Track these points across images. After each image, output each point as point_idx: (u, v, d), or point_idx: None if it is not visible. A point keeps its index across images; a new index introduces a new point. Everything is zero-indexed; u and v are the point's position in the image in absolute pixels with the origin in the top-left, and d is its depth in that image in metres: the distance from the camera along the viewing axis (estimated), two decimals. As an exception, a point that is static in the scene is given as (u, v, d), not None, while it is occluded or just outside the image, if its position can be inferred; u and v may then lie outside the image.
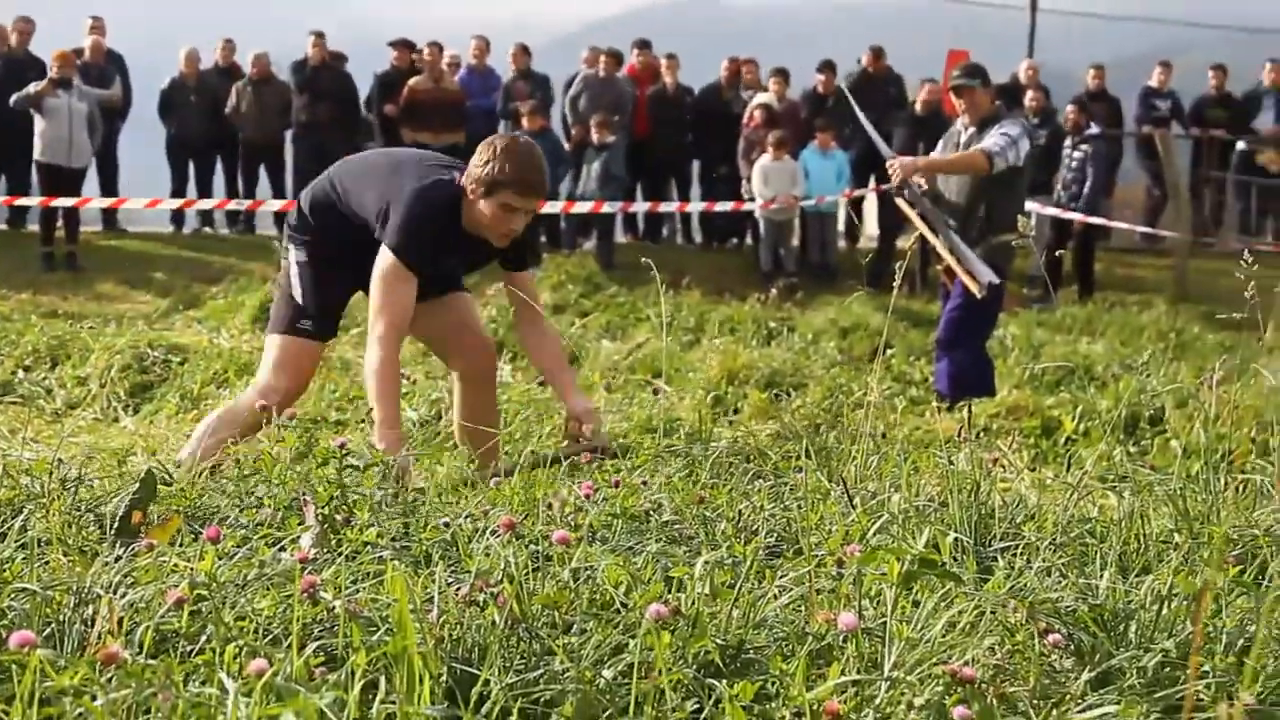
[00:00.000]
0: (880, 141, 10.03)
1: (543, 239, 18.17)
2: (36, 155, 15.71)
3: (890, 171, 9.30)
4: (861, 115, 10.29)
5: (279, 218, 18.44)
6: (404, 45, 18.90)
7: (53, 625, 3.36)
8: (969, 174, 9.30)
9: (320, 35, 18.55)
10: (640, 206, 18.55)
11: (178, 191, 18.52)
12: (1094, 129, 17.47)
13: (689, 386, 9.34)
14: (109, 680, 2.81)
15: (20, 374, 10.14)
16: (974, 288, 8.96)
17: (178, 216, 18.94)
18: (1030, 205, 15.20)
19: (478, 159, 5.89)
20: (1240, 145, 19.96)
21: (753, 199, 17.38)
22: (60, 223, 16.08)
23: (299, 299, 6.29)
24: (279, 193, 18.53)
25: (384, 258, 5.88)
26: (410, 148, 6.60)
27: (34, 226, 16.91)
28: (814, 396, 9.64)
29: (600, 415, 6.27)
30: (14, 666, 2.95)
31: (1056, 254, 16.28)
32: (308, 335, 6.30)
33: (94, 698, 2.77)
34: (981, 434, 8.36)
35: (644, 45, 19.70)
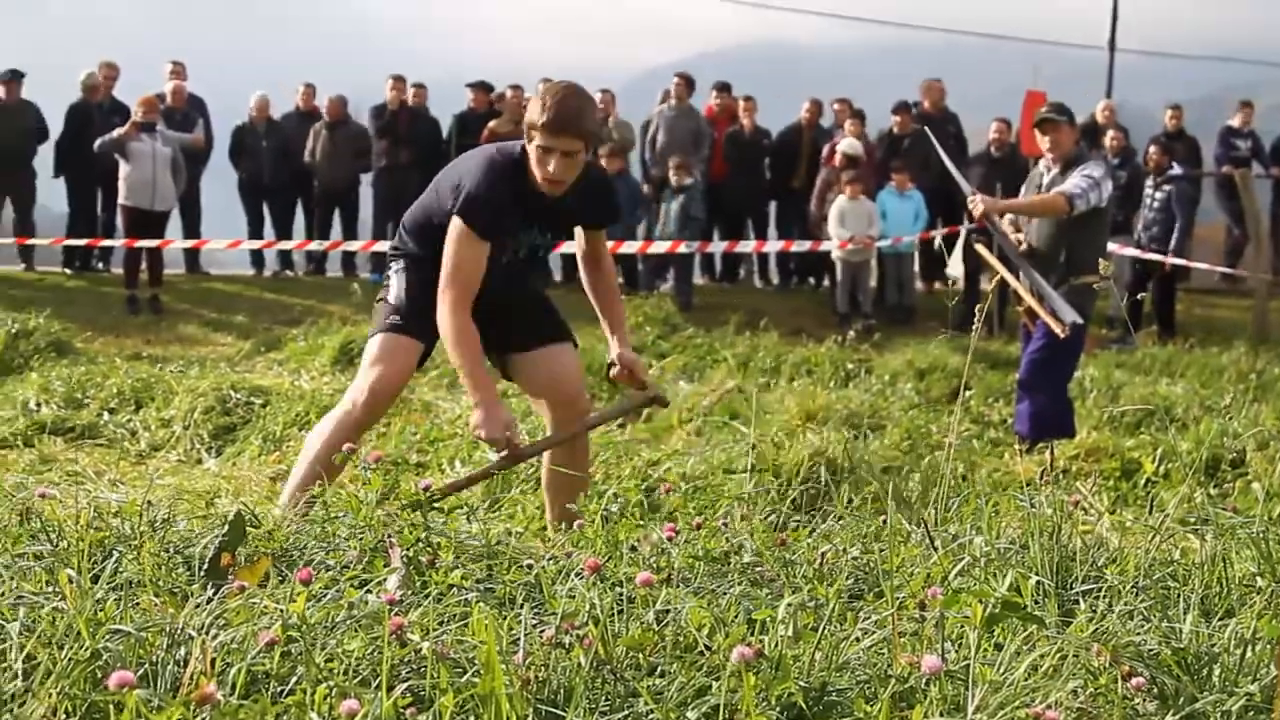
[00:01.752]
0: (961, 179, 10.00)
1: (620, 280, 18.20)
2: (121, 199, 15.89)
3: (971, 206, 9.27)
4: (943, 154, 10.28)
5: (348, 260, 18.64)
6: (481, 87, 19.04)
7: (146, 666, 3.42)
8: (1050, 216, 9.27)
9: (400, 79, 18.71)
10: (717, 247, 18.59)
11: (255, 235, 18.71)
12: (1176, 169, 17.38)
13: (767, 428, 9.33)
14: (204, 720, 2.86)
15: (105, 416, 10.24)
16: (1057, 328, 8.93)
17: (258, 258, 19.13)
18: (1111, 246, 15.15)
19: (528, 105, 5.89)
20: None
21: (829, 239, 17.40)
22: (144, 265, 16.27)
23: (392, 300, 6.30)
24: (352, 236, 18.69)
25: (454, 226, 5.88)
26: None
27: (118, 269, 17.13)
28: (893, 438, 9.63)
29: (644, 366, 6.32)
30: (111, 707, 3.01)
31: (1137, 297, 16.21)
32: (399, 330, 6.23)
33: (190, 738, 2.82)
34: (1061, 476, 8.31)
35: (723, 88, 19.74)
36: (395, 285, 6.34)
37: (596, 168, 6.39)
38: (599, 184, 6.30)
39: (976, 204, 9.20)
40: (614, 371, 6.31)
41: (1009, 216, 9.65)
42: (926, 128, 15.59)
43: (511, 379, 6.76)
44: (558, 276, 17.79)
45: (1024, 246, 9.42)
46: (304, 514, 5.12)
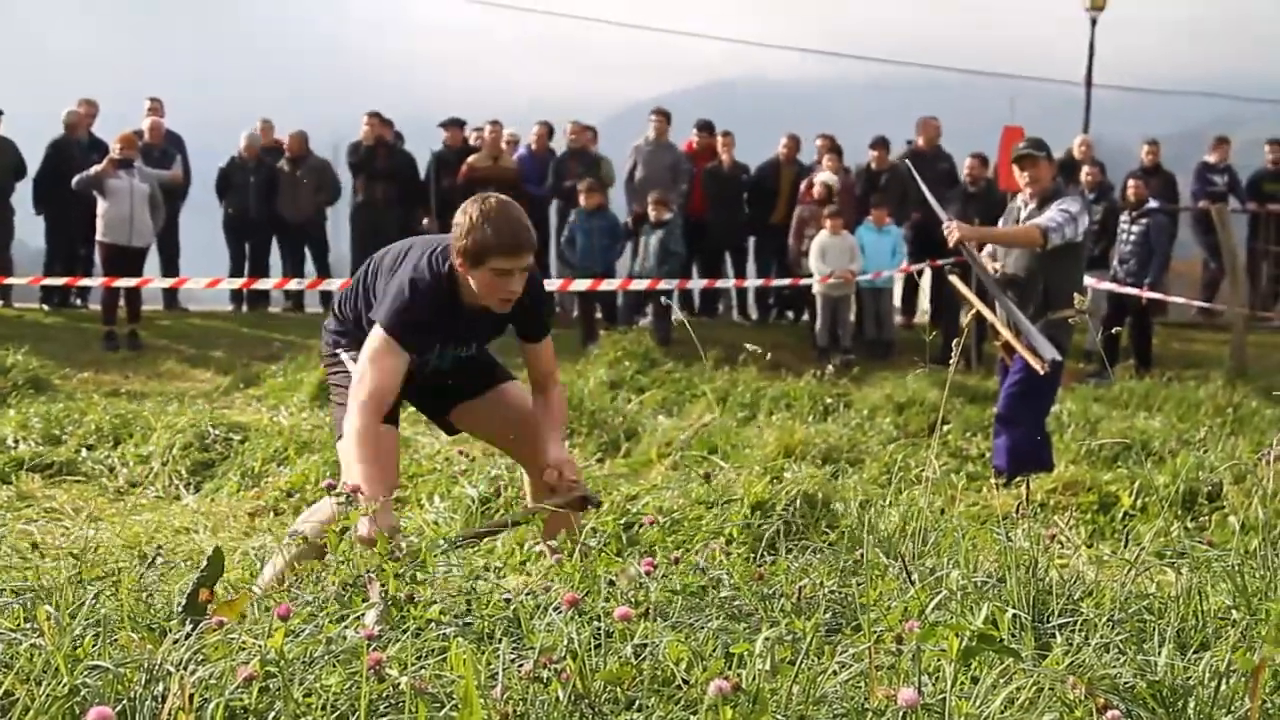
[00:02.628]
0: (938, 207, 10.02)
1: (598, 315, 18.26)
2: (99, 235, 15.86)
3: (946, 232, 9.30)
4: (923, 185, 10.31)
5: (326, 296, 18.69)
6: (455, 124, 19.08)
7: (125, 702, 3.42)
8: (1023, 248, 9.32)
9: (375, 115, 18.73)
10: (697, 284, 18.63)
11: (236, 271, 18.71)
12: (1153, 203, 17.46)
13: (745, 462, 9.33)
14: (182, 755, 2.87)
15: (84, 452, 10.22)
16: (1036, 365, 8.96)
17: (237, 295, 19.14)
18: (1088, 280, 15.21)
19: (456, 230, 5.63)
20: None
21: (808, 275, 17.46)
22: (122, 301, 16.25)
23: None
24: (323, 271, 18.72)
25: (373, 334, 5.70)
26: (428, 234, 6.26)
27: (96, 306, 17.12)
28: (871, 472, 9.64)
29: (575, 466, 5.97)
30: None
31: (1113, 331, 16.26)
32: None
33: (168, 773, 2.83)
34: (1039, 510, 8.34)
35: (705, 126, 19.78)
36: (353, 365, 5.98)
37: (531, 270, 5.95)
38: (531, 286, 5.93)
39: (952, 231, 9.23)
40: (546, 474, 6.14)
41: (987, 249, 9.70)
42: (907, 160, 15.65)
43: (464, 431, 6.67)
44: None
45: (999, 277, 9.47)
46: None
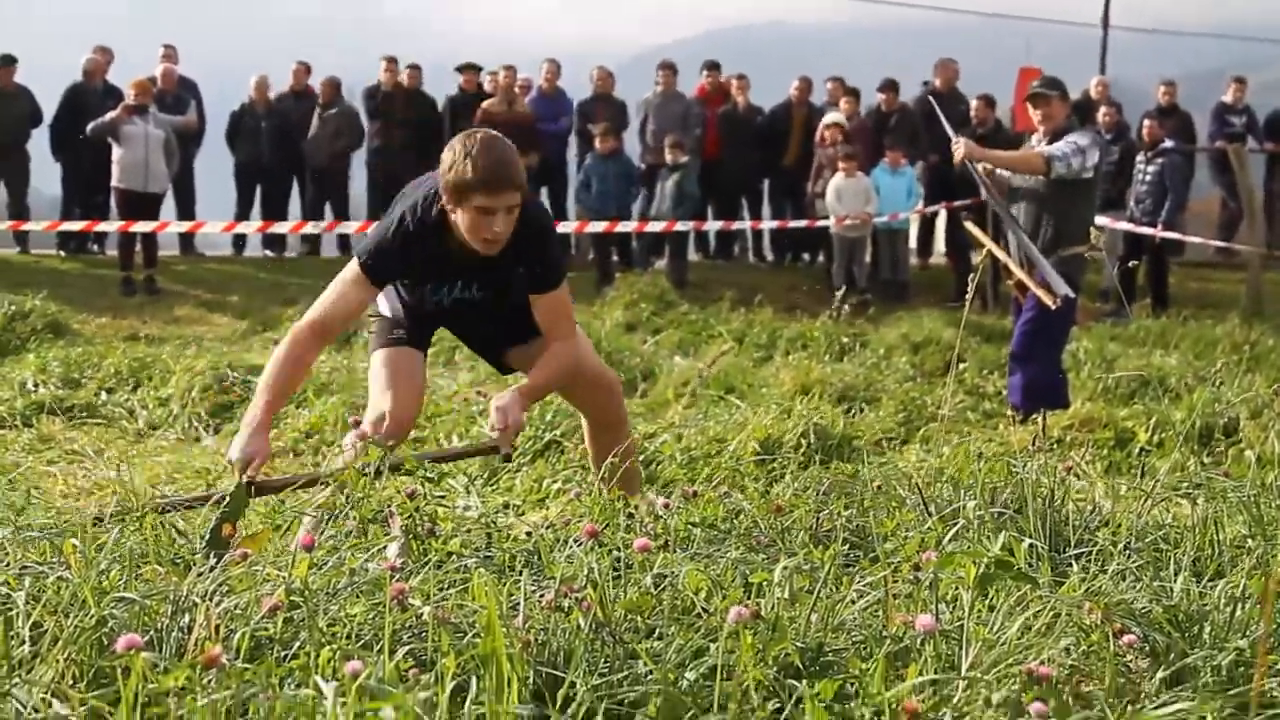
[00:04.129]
0: (949, 127, 9.99)
1: (615, 258, 18.28)
2: (114, 181, 15.88)
3: (954, 149, 9.26)
4: (942, 115, 10.29)
5: (343, 240, 18.67)
6: (470, 69, 19.04)
7: (151, 633, 3.46)
8: (1026, 173, 9.27)
9: (393, 60, 18.74)
10: (714, 225, 18.63)
11: (242, 215, 18.69)
12: (1169, 143, 17.42)
13: (762, 401, 9.36)
14: (210, 682, 2.90)
15: (103, 395, 10.27)
16: (1047, 299, 8.95)
17: (239, 241, 19.15)
18: (1103, 220, 15.18)
19: (442, 166, 5.47)
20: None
21: (824, 217, 17.47)
22: (139, 248, 16.28)
23: (389, 314, 6.08)
24: (343, 216, 18.72)
25: (350, 265, 5.64)
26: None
27: (113, 252, 17.16)
28: (887, 410, 9.67)
29: (514, 416, 5.57)
30: (118, 672, 3.05)
31: (1129, 265, 16.26)
32: (404, 342, 6.00)
33: (196, 699, 2.86)
34: (1055, 446, 8.37)
35: (713, 67, 19.74)
36: (385, 300, 6.10)
37: (533, 218, 5.73)
38: (535, 236, 5.71)
39: (959, 147, 9.20)
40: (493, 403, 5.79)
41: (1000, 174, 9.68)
42: (930, 95, 15.59)
43: (514, 371, 6.54)
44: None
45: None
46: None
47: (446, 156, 5.42)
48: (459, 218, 5.44)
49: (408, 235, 5.60)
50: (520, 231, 5.54)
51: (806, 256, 19.98)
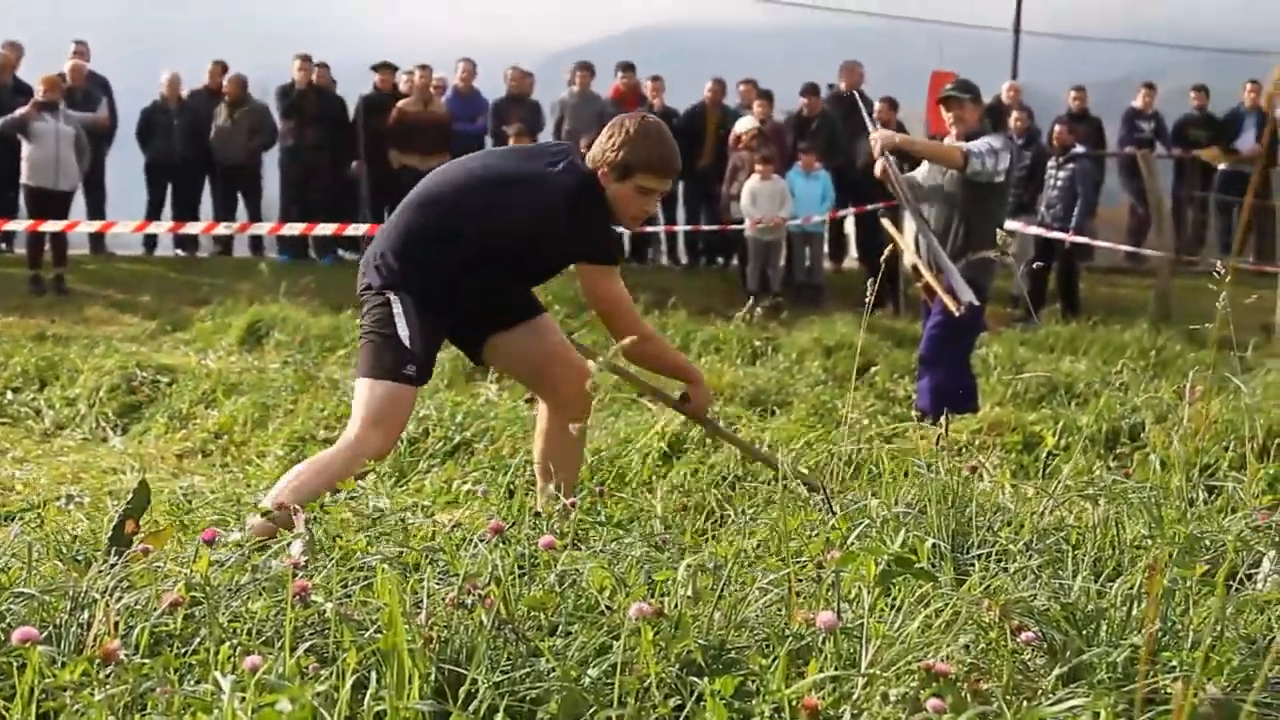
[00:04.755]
0: (870, 120, 10.06)
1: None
2: (23, 179, 15.74)
3: (872, 141, 9.30)
4: (868, 118, 10.36)
5: (255, 240, 18.57)
6: (386, 68, 18.99)
7: (50, 629, 3.43)
8: (943, 165, 9.32)
9: (306, 59, 18.64)
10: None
11: (153, 214, 18.52)
12: (1079, 149, 17.59)
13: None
14: (107, 677, 2.89)
15: (9, 395, 10.18)
16: (953, 306, 9.01)
17: (151, 239, 19.00)
18: (1014, 225, 15.29)
19: (607, 142, 5.71)
20: (1222, 166, 20.16)
21: (739, 220, 17.52)
22: (48, 246, 16.11)
23: (407, 343, 5.68)
24: (255, 215, 18.62)
25: (603, 272, 5.75)
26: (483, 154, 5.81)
27: (21, 250, 16.97)
28: (798, 414, 9.70)
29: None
30: (14, 665, 3.03)
31: (1034, 266, 16.39)
32: (411, 381, 5.70)
33: (93, 694, 2.85)
34: (964, 449, 8.42)
35: (627, 68, 19.77)
36: (403, 324, 5.70)
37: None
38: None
39: (876, 140, 9.24)
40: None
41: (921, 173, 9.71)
42: (856, 91, 15.65)
43: (491, 364, 6.59)
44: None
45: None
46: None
47: (616, 134, 5.71)
48: (615, 190, 5.73)
49: (608, 212, 5.81)
50: None
51: (721, 260, 20.01)
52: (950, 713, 2.91)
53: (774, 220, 17.20)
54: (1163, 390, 10.18)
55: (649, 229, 18.55)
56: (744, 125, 18.23)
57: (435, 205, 5.83)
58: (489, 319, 6.08)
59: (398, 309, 5.72)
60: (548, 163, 5.79)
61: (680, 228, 18.99)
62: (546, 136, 19.10)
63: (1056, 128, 17.94)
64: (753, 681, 3.27)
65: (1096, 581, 3.99)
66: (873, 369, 12.29)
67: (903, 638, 3.39)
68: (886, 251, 6.95)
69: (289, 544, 4.10)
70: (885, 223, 9.96)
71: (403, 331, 5.70)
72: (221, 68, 19.18)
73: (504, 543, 3.85)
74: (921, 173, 9.68)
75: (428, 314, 5.72)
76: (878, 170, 9.30)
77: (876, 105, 17.89)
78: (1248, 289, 6.48)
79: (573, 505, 4.62)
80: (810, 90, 19.19)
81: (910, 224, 9.72)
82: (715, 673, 3.30)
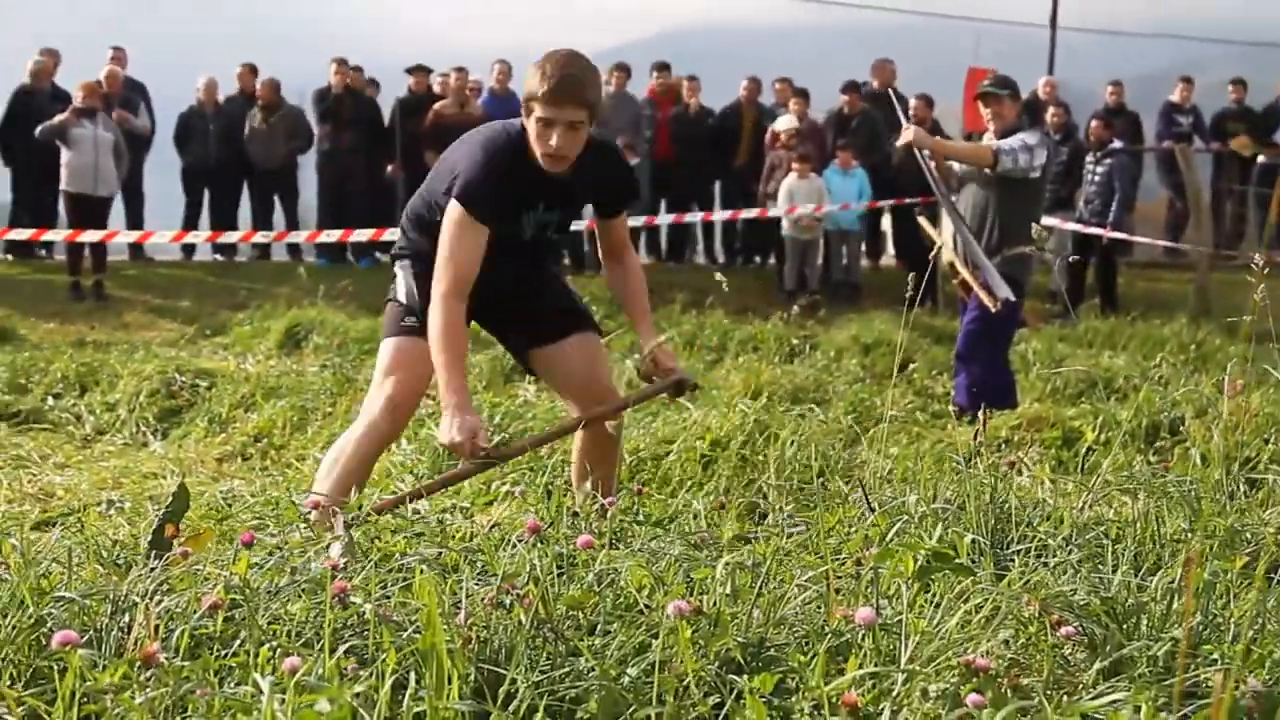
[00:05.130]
0: (902, 114, 10.03)
1: (565, 260, 18.26)
2: (63, 185, 15.82)
3: (903, 134, 9.25)
4: (900, 109, 10.32)
5: (293, 244, 18.64)
6: (421, 71, 19.04)
7: (90, 633, 3.45)
8: (973, 165, 9.30)
9: (342, 62, 18.69)
10: (665, 219, 18.62)
11: (190, 220, 18.62)
12: (1117, 144, 17.53)
13: (712, 403, 9.36)
14: (147, 680, 2.90)
15: (50, 401, 10.22)
16: (989, 303, 8.99)
17: (188, 245, 19.08)
18: (1052, 221, 15.25)
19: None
20: (1261, 159, 20.06)
21: (779, 218, 17.52)
22: (87, 252, 16.18)
23: (404, 299, 5.85)
24: (292, 220, 18.68)
25: (450, 210, 5.47)
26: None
27: (61, 256, 17.05)
28: (836, 411, 9.68)
29: (672, 353, 5.87)
30: (55, 671, 3.04)
31: (1070, 260, 16.35)
32: (414, 331, 5.70)
33: (134, 696, 2.86)
34: (1003, 445, 8.40)
35: (663, 67, 19.78)
36: (404, 284, 5.90)
37: (606, 142, 5.91)
38: (609, 157, 5.85)
39: (908, 133, 9.20)
40: (644, 366, 5.97)
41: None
42: (891, 89, 15.62)
43: (536, 375, 6.48)
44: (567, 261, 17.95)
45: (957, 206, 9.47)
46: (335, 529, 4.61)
47: (531, 67, 5.43)
48: (530, 128, 5.44)
49: (498, 163, 5.52)
50: (593, 159, 5.61)
51: (758, 259, 20.00)
52: (990, 708, 2.90)
53: (811, 217, 17.20)
54: (1203, 384, 10.14)
55: (687, 218, 18.52)
56: (784, 124, 18.23)
57: (429, 175, 5.89)
58: (534, 330, 6.04)
59: (401, 275, 5.91)
60: (489, 130, 5.72)
61: (717, 215, 18.94)
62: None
63: (1093, 123, 17.86)
64: (792, 679, 3.26)
65: (1136, 576, 3.97)
66: (911, 366, 12.26)
67: (942, 633, 3.38)
68: (933, 251, 6.92)
69: (328, 546, 4.10)
70: (922, 220, 9.94)
71: (402, 293, 5.86)
72: (252, 70, 19.25)
73: (542, 542, 3.85)
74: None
75: (426, 273, 5.64)
76: (907, 144, 9.25)
77: (913, 102, 17.86)
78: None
79: (610, 504, 4.61)
80: (851, 88, 19.18)
81: (947, 220, 9.70)
82: (754, 670, 3.29)
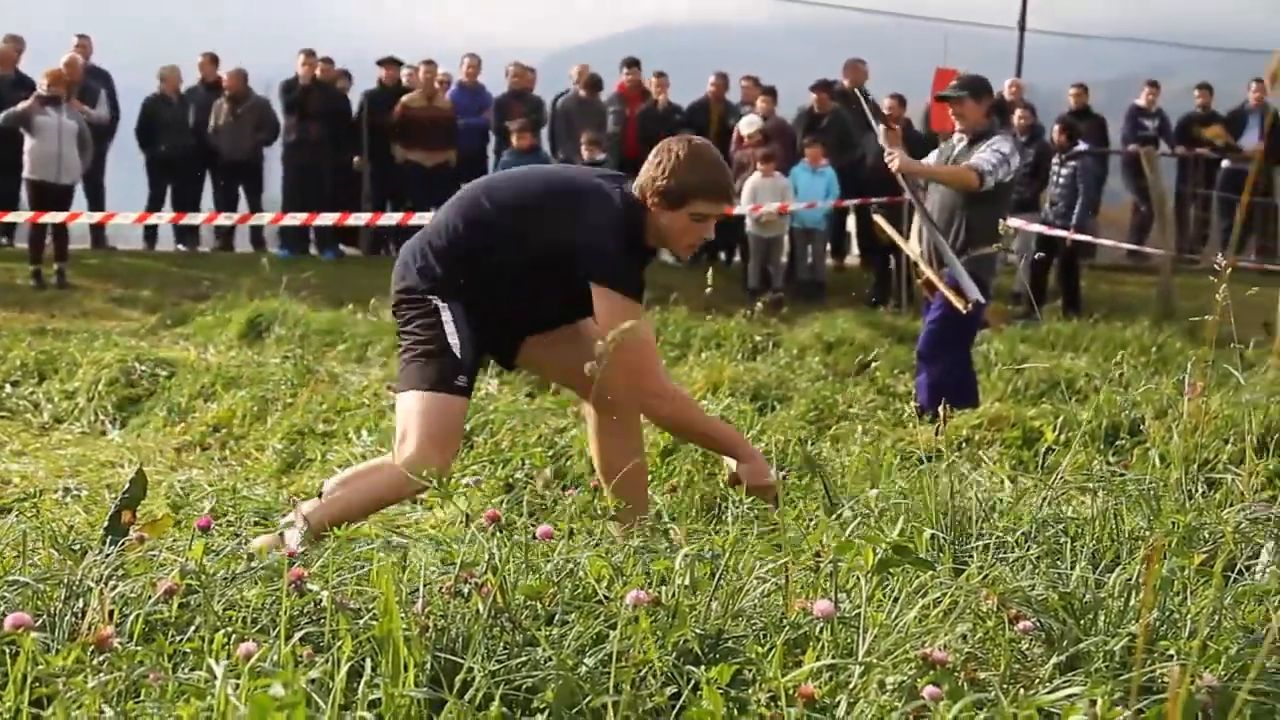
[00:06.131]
0: (883, 138, 10.02)
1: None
2: (26, 173, 15.75)
3: (887, 160, 9.26)
4: (870, 113, 10.32)
5: (256, 234, 18.58)
6: (391, 63, 19.03)
7: (44, 617, 3.42)
8: (961, 189, 9.31)
9: (310, 54, 18.66)
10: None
11: (154, 208, 18.54)
12: (1081, 146, 17.59)
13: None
14: (101, 664, 2.88)
15: (8, 388, 10.17)
16: (959, 304, 9.01)
17: (151, 233, 19.00)
18: (1017, 222, 15.29)
19: (654, 168, 5.40)
20: (1225, 163, 20.15)
21: (743, 216, 17.53)
22: (49, 240, 16.10)
23: (458, 352, 5.40)
24: (257, 210, 18.64)
25: (621, 302, 5.22)
26: (564, 164, 5.54)
27: (22, 244, 16.97)
28: (799, 409, 9.69)
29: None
30: (6, 652, 3.02)
31: (1036, 257, 16.41)
32: (463, 393, 5.44)
33: (86, 680, 2.84)
34: (964, 444, 8.42)
35: (632, 64, 19.79)
36: (453, 332, 5.43)
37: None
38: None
39: (894, 159, 9.21)
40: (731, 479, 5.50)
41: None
42: (859, 89, 15.65)
43: (525, 368, 6.36)
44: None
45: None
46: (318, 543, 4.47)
47: (665, 158, 5.39)
48: (667, 220, 5.42)
49: (632, 248, 5.47)
50: None
51: (723, 256, 20.02)
52: (947, 700, 2.90)
53: (769, 216, 17.23)
54: (1163, 386, 10.17)
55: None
56: (747, 126, 18.25)
57: (489, 208, 5.54)
58: (525, 329, 5.83)
59: (446, 316, 5.45)
60: (608, 185, 5.53)
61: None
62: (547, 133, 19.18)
63: (1055, 128, 17.94)
64: (749, 670, 3.26)
65: (1095, 572, 3.99)
66: (873, 364, 12.29)
67: (900, 627, 3.39)
68: (892, 251, 6.93)
69: (284, 533, 4.09)
70: (879, 219, 9.96)
71: (453, 340, 5.42)
72: (212, 60, 19.21)
73: (500, 531, 3.84)
74: (932, 159, 9.70)
75: (473, 320, 5.45)
76: (892, 166, 9.27)
77: (887, 102, 17.84)
78: (1249, 286, 6.46)
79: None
80: (821, 86, 19.19)
81: (916, 220, 9.71)
82: (712, 661, 3.29)
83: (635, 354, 5.14)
